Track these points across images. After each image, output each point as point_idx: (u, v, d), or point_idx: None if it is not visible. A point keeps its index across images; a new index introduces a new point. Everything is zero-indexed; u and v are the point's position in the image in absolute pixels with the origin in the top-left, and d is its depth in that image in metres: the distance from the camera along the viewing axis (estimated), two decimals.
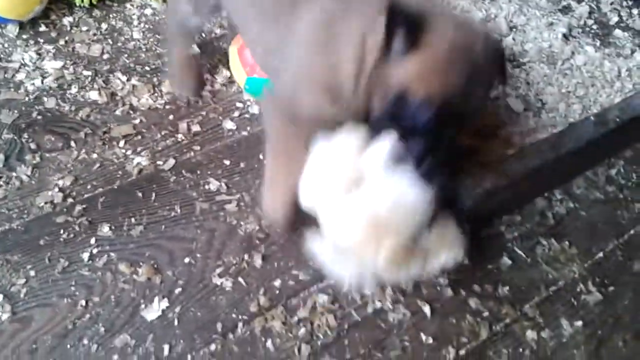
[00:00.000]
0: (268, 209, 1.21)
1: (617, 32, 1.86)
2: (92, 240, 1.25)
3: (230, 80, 1.62)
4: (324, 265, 1.06)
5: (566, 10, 1.92)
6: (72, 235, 1.26)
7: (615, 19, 1.91)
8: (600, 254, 1.34)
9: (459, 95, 0.98)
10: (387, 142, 0.99)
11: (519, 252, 1.32)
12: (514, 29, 1.81)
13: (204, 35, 1.76)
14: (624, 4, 1.98)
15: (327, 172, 1.03)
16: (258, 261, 1.25)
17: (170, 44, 1.60)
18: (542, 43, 1.77)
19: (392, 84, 0.99)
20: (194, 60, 1.61)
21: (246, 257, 1.26)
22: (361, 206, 0.98)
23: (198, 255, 1.25)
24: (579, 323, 1.22)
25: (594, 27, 1.88)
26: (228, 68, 1.62)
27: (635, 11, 1.95)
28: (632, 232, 1.39)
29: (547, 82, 1.63)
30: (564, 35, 1.80)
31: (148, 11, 1.82)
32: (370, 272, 1.01)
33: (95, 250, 1.24)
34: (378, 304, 1.20)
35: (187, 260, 1.24)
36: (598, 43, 1.80)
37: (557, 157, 1.33)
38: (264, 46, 1.23)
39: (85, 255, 1.22)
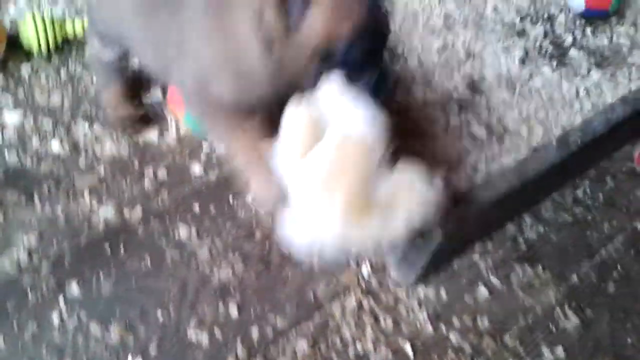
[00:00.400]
0: (259, 196, 1.11)
1: (573, 52, 1.90)
2: (61, 301, 1.22)
3: None
4: (294, 244, 0.98)
5: (522, 33, 1.96)
6: (40, 297, 1.22)
7: (570, 39, 1.95)
8: (574, 277, 1.35)
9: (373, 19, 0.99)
10: (332, 83, 0.97)
11: (495, 281, 1.32)
12: (472, 56, 1.84)
13: None
14: (577, 23, 2.03)
15: (290, 139, 0.98)
16: (233, 309, 1.23)
17: (99, 84, 1.57)
18: (501, 68, 1.79)
19: (311, 42, 0.97)
20: (130, 96, 1.56)
21: (221, 305, 1.23)
22: (314, 158, 0.94)
23: (171, 307, 1.23)
24: (560, 349, 1.22)
25: (550, 48, 1.92)
26: None
27: (588, 30, 2.00)
28: (603, 252, 1.41)
29: (508, 106, 1.65)
30: (521, 59, 1.83)
31: None
32: (334, 233, 0.93)
33: (64, 311, 1.20)
34: (359, 346, 1.18)
35: (160, 313, 1.22)
36: (555, 64, 1.84)
37: (523, 183, 1.34)
38: (161, 54, 1.17)
39: (55, 317, 1.19)
